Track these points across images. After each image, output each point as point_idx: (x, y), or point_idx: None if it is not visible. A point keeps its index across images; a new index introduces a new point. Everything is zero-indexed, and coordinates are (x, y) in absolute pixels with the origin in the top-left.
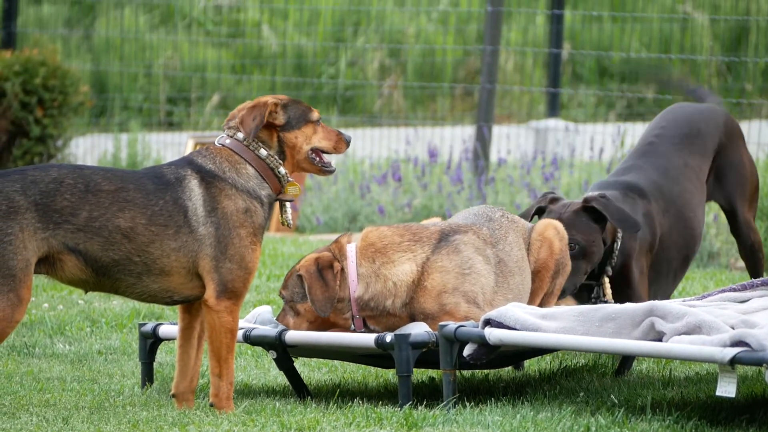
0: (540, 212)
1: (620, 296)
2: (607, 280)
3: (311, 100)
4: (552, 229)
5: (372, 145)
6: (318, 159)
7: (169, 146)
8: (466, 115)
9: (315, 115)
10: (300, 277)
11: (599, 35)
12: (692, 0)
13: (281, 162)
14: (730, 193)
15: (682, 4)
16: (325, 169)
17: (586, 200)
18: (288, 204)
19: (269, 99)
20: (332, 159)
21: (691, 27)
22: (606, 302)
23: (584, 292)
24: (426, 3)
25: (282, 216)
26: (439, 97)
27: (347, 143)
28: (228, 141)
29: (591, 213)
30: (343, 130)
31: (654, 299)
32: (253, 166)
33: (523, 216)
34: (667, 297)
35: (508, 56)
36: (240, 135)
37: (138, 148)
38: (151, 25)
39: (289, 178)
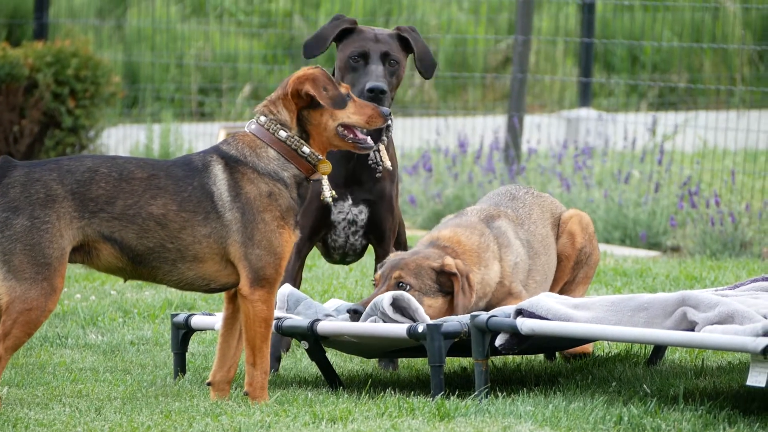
0: (346, 32)
1: (382, 221)
2: (383, 147)
3: None
4: (576, 221)
5: (403, 135)
6: (350, 135)
7: (201, 136)
8: (497, 105)
9: (342, 90)
10: (450, 276)
11: (631, 24)
12: None
13: (304, 142)
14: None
15: None
16: (359, 145)
17: (399, 29)
18: (325, 181)
19: (314, 70)
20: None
21: (722, 16)
22: (381, 166)
23: (365, 158)
24: None
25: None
26: (470, 86)
27: (384, 117)
28: (253, 127)
29: (402, 42)
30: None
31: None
32: (274, 149)
33: (321, 39)
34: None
35: (539, 46)
36: (262, 119)
37: (170, 138)
38: (183, 16)
39: (319, 157)
